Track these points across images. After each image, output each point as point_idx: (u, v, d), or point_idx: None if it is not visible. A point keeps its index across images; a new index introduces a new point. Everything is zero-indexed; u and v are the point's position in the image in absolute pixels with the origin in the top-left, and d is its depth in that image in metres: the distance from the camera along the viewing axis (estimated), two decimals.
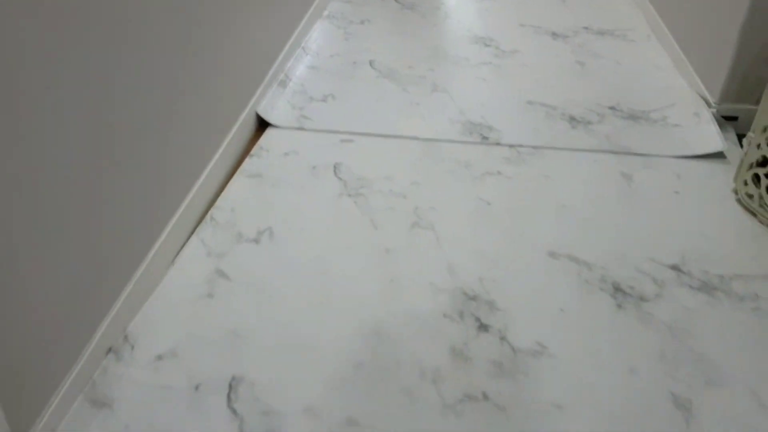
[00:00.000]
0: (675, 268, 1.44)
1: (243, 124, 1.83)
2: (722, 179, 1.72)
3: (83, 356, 1.11)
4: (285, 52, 2.19)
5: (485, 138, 1.90)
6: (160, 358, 1.19)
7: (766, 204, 1.56)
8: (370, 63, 2.31)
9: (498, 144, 1.88)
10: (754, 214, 1.59)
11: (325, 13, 2.69)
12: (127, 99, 1.22)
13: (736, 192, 1.64)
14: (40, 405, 1.02)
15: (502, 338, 1.26)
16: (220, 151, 1.67)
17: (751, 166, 1.60)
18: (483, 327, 1.28)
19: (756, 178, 1.59)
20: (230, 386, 1.14)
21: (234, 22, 1.75)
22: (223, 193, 1.64)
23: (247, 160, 1.78)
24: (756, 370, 1.20)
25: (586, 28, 2.59)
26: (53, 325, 1.03)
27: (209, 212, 1.57)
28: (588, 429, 1.08)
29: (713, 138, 1.86)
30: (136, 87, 1.24)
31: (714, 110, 1.96)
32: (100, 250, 1.15)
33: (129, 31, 1.21)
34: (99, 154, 1.14)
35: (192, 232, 1.50)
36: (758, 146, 1.57)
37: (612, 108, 2.05)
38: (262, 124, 1.95)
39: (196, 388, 1.13)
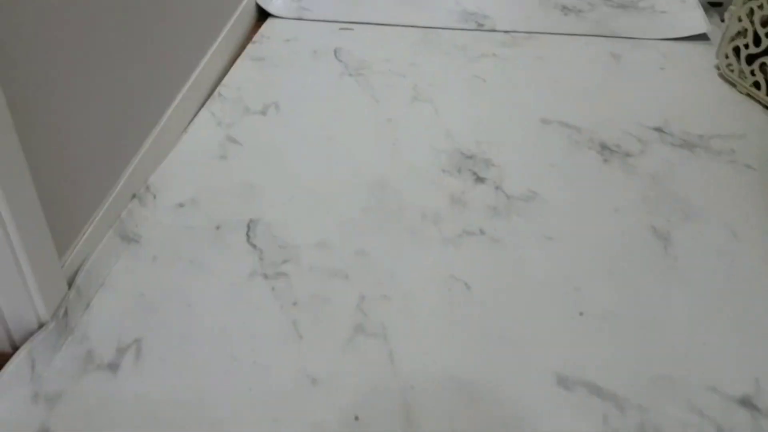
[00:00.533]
0: (658, 129, 1.53)
1: (243, 12, 1.89)
2: (706, 57, 1.81)
3: (111, 195, 1.19)
4: None
5: (481, 25, 1.96)
6: (181, 205, 1.27)
7: (744, 74, 1.64)
8: None
9: (493, 30, 1.94)
10: (734, 85, 1.67)
11: None
12: None
13: (718, 67, 1.72)
14: (75, 233, 1.08)
15: (497, 187, 1.35)
16: (223, 34, 1.73)
17: (731, 39, 1.67)
18: (479, 179, 1.38)
19: (736, 51, 1.67)
20: (248, 226, 1.23)
21: None
22: (228, 74, 1.72)
23: (250, 45, 1.85)
24: (730, 207, 1.30)
25: None
26: (86, 159, 1.11)
27: (216, 89, 1.64)
28: (576, 254, 1.19)
29: (698, 21, 1.94)
30: None
31: None
32: (124, 102, 1.24)
33: None
34: (130, 17, 1.24)
35: (201, 106, 1.58)
36: (739, 19, 1.64)
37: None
38: (262, 15, 2.00)
39: (217, 227, 1.22)
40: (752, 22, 1.60)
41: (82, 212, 1.11)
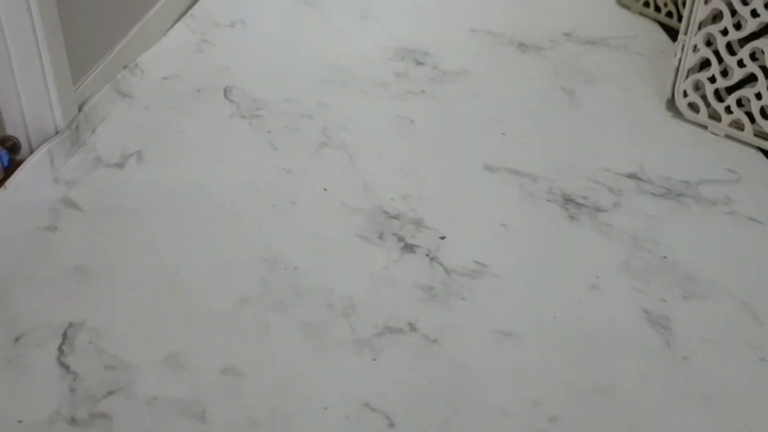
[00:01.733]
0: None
1: None
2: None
3: (109, 55, 1.37)
4: None
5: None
6: (166, 78, 1.43)
7: (718, 113, 1.34)
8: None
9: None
10: (705, 127, 1.37)
11: None
12: None
13: (672, 99, 1.41)
14: (83, 71, 1.29)
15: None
16: None
17: (689, 73, 1.37)
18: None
19: (697, 86, 1.37)
20: (224, 89, 1.39)
21: None
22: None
23: None
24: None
25: None
26: (94, 13, 1.32)
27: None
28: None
29: None
30: None
31: None
32: None
33: None
34: None
35: (177, 21, 1.67)
36: (695, 48, 1.34)
37: None
38: None
39: (198, 91, 1.38)
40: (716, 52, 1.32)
41: (89, 57, 1.31)
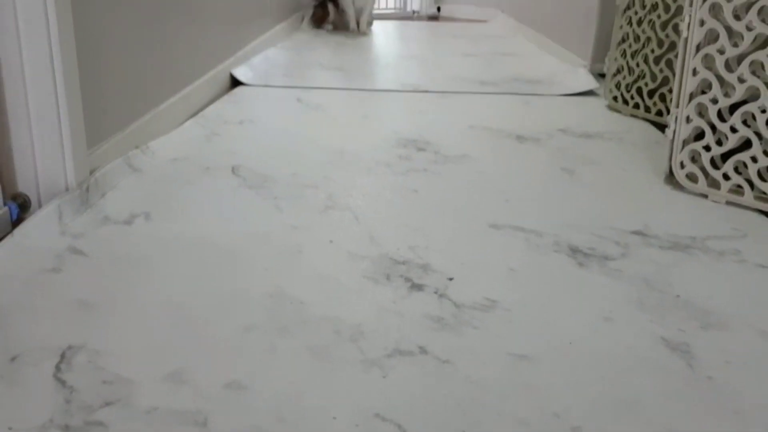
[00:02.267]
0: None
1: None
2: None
3: (124, 131, 1.45)
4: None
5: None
6: (175, 159, 1.50)
7: (716, 181, 1.37)
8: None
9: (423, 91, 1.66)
10: (705, 196, 1.39)
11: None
12: None
13: (671, 173, 1.45)
14: (98, 140, 1.35)
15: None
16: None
17: (684, 144, 1.41)
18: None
19: (693, 158, 1.41)
20: (232, 168, 1.46)
21: None
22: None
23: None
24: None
25: (492, 52, 3.27)
26: (115, 91, 1.42)
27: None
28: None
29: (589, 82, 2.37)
30: None
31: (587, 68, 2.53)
32: (151, 66, 1.64)
33: None
34: None
35: (188, 119, 1.84)
36: (687, 120, 1.40)
37: (515, 79, 2.55)
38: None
39: (207, 168, 1.45)
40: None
41: (104, 130, 1.38)
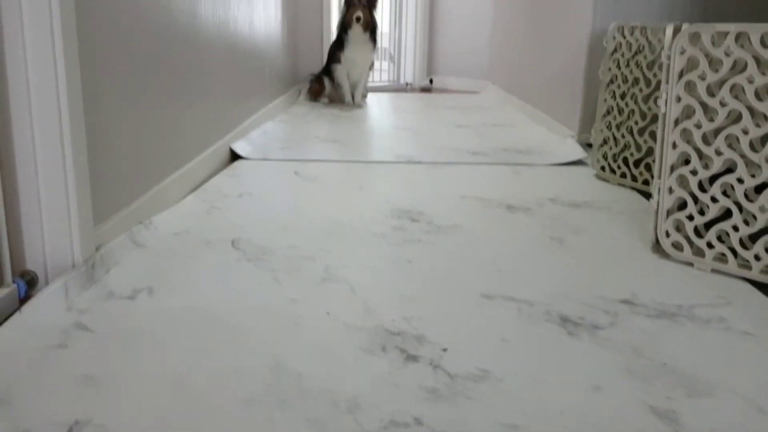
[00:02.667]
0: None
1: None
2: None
3: (126, 210, 1.50)
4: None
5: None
6: (177, 233, 1.56)
7: (701, 250, 1.42)
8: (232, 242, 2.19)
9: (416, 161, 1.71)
10: (691, 264, 1.44)
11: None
12: None
13: (657, 242, 1.50)
14: (103, 217, 1.40)
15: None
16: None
17: (668, 214, 1.47)
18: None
19: (678, 227, 1.46)
20: (232, 241, 1.51)
21: None
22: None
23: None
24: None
25: (482, 123, 3.43)
26: (121, 169, 1.48)
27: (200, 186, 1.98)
28: None
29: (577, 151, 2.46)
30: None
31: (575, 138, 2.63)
32: (158, 144, 1.75)
33: None
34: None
35: (189, 193, 1.91)
36: (670, 190, 1.46)
37: (504, 149, 2.64)
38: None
39: (207, 242, 1.51)
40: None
41: (109, 207, 1.43)
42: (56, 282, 1.18)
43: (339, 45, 4.09)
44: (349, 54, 4.03)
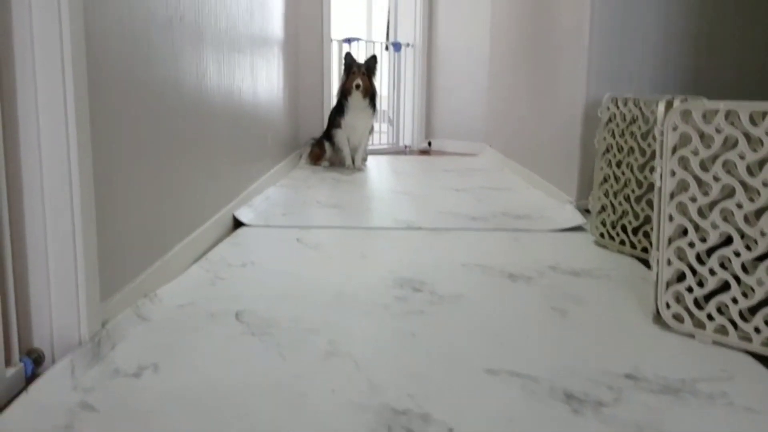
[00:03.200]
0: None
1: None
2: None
3: (131, 284, 1.52)
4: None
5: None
6: (181, 306, 1.58)
7: (702, 322, 1.44)
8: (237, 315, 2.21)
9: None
10: (692, 336, 1.45)
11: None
12: None
13: (658, 313, 1.51)
14: (110, 293, 1.41)
15: None
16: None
17: (667, 285, 1.49)
18: None
19: (678, 298, 1.48)
20: (236, 314, 1.54)
21: None
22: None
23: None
24: None
25: (481, 187, 3.50)
26: (126, 244, 1.51)
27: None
28: None
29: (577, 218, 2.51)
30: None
31: (574, 204, 2.68)
32: (159, 219, 1.78)
33: None
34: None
35: (193, 263, 1.94)
36: (668, 262, 1.48)
37: (504, 214, 2.72)
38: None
39: (211, 315, 1.52)
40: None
41: (115, 283, 1.45)
42: (62, 360, 1.19)
43: (339, 111, 4.18)
44: (349, 119, 4.12)
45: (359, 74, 4.08)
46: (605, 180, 2.19)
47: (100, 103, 1.34)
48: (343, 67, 4.22)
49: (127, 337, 1.37)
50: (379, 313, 1.57)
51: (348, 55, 4.20)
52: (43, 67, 1.16)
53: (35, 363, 1.19)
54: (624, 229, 2.13)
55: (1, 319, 1.10)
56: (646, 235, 2.05)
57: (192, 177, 2.00)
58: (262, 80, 3.11)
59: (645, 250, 2.07)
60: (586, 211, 2.58)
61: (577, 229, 2.49)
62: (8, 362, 1.13)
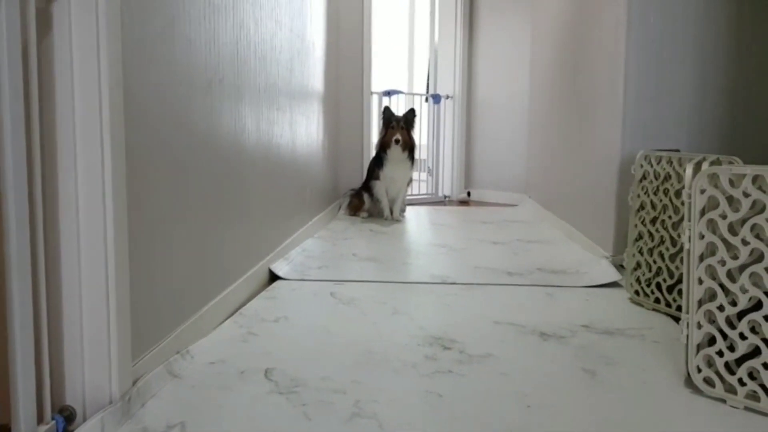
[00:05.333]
0: None
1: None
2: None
3: (164, 341, 1.56)
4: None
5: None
6: (213, 363, 1.62)
7: (733, 386, 1.41)
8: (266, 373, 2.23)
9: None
10: (723, 401, 1.42)
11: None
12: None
13: (688, 375, 1.48)
14: (142, 351, 1.45)
15: None
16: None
17: (698, 349, 1.47)
18: None
19: (709, 362, 1.45)
20: (266, 371, 1.57)
21: None
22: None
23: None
24: None
25: (518, 240, 3.50)
26: (159, 302, 1.55)
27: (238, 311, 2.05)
28: None
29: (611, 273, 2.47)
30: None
31: (610, 259, 2.65)
32: (193, 276, 1.84)
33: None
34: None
35: (227, 318, 1.98)
36: (699, 325, 1.46)
37: (539, 269, 2.67)
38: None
39: (241, 372, 1.56)
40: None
41: (148, 340, 1.48)
42: (93, 418, 1.23)
43: (378, 163, 4.24)
44: (388, 172, 4.18)
45: (398, 128, 4.16)
46: (640, 237, 2.18)
47: (137, 164, 1.41)
48: (381, 120, 4.30)
49: (158, 394, 1.41)
50: (408, 371, 1.58)
51: (387, 109, 4.29)
52: (83, 132, 1.23)
53: (67, 420, 1.24)
54: (659, 287, 2.10)
55: (35, 376, 1.14)
56: (681, 293, 2.01)
57: (229, 233, 2.06)
58: (301, 134, 3.20)
59: (680, 308, 2.03)
60: (621, 267, 2.56)
61: (613, 284, 2.46)
62: (41, 419, 1.18)
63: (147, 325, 1.47)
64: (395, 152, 4.18)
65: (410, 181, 4.42)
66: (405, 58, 6.60)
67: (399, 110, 4.53)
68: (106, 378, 1.29)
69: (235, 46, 2.08)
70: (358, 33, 4.86)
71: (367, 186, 4.35)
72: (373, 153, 4.43)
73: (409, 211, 4.72)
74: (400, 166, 4.19)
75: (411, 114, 4.26)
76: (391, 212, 4.29)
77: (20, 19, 1.06)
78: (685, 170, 1.84)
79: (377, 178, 4.23)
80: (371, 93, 5.05)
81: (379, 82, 5.39)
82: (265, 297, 2.27)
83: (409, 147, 4.23)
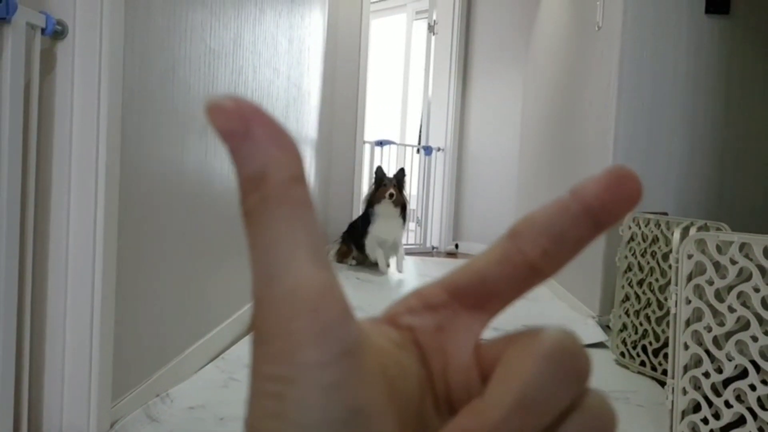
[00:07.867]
0: None
1: None
2: None
3: (144, 383, 1.54)
4: None
5: None
6: (192, 408, 1.58)
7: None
8: None
9: None
10: None
11: None
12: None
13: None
14: (120, 393, 1.43)
15: None
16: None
17: (683, 415, 1.46)
18: None
19: (694, 429, 1.45)
20: (245, 420, 1.21)
21: None
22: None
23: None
24: None
25: None
26: (140, 344, 1.53)
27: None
28: None
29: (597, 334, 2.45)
30: None
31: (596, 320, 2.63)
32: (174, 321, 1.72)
33: None
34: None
35: (208, 362, 1.95)
36: (684, 391, 1.46)
37: (525, 326, 2.37)
38: None
39: (221, 419, 1.52)
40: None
41: (128, 382, 1.47)
42: None
43: (366, 220, 4.18)
44: (378, 228, 4.11)
45: (391, 186, 4.15)
46: (626, 298, 2.19)
47: (128, 209, 1.41)
48: (374, 179, 4.30)
49: None
50: None
51: (379, 169, 4.30)
52: (78, 170, 1.24)
53: None
54: (644, 349, 2.10)
55: (13, 415, 1.12)
56: (667, 357, 2.01)
57: (214, 277, 2.05)
58: None
59: (665, 372, 2.03)
60: (608, 327, 2.56)
61: (599, 345, 2.46)
62: None
63: (128, 366, 1.45)
64: (386, 208, 4.15)
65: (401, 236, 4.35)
66: (398, 109, 6.70)
67: (391, 161, 4.56)
68: (85, 419, 1.26)
69: (233, 91, 2.10)
70: (354, 83, 4.94)
71: (356, 242, 4.30)
72: (362, 208, 4.38)
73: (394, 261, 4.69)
74: (391, 222, 4.15)
75: (401, 174, 4.29)
76: (388, 264, 4.20)
77: (25, 55, 1.07)
78: (672, 234, 1.86)
79: (366, 234, 4.17)
80: (364, 143, 5.10)
81: (371, 131, 5.45)
82: (249, 341, 2.24)
83: (401, 204, 4.23)
